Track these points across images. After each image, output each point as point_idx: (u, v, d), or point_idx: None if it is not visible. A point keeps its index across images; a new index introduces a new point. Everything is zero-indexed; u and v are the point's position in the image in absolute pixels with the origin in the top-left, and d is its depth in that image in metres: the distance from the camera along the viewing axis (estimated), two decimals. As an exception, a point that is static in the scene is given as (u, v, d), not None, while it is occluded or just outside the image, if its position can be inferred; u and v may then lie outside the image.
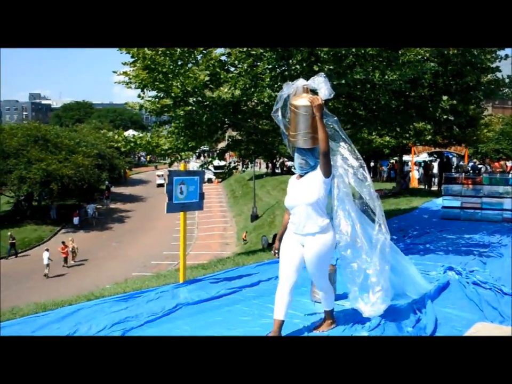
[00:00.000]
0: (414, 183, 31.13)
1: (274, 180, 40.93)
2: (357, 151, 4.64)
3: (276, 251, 4.75)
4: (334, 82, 8.24)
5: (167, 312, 5.43)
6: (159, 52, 8.24)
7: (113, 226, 39.08)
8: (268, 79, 8.78)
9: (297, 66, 8.40)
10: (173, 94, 8.64)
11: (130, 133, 14.58)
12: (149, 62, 8.46)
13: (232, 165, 13.82)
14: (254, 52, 8.29)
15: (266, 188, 38.44)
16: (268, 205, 33.62)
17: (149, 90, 9.61)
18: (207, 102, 8.63)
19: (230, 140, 12.29)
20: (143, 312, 5.32)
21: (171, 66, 8.44)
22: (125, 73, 9.44)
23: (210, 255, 22.68)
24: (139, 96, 10.07)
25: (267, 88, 8.81)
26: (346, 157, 4.60)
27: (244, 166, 19.10)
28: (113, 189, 52.13)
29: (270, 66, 8.80)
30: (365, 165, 4.69)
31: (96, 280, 19.70)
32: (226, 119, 10.04)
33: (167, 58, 8.31)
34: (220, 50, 9.34)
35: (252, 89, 8.60)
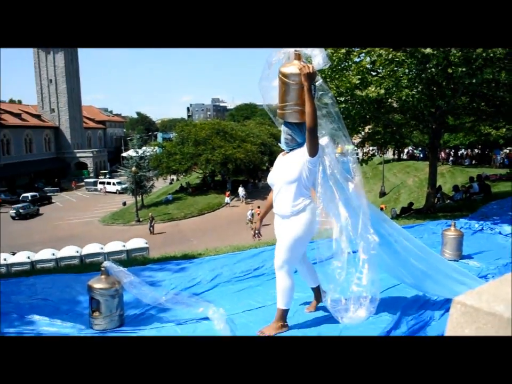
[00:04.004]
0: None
1: (400, 164, 39.14)
2: (348, 136, 3.28)
3: (257, 232, 3.58)
4: (466, 82, 7.76)
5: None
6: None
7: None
8: (406, 81, 8.48)
9: (433, 70, 7.98)
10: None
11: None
12: (311, 70, 8.56)
13: (370, 152, 13.52)
14: (397, 59, 8.02)
15: (393, 170, 36.88)
16: (394, 184, 32.33)
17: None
18: (357, 100, 8.55)
19: (370, 131, 12.06)
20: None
21: (329, 73, 8.49)
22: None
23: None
24: (325, 104, 10.22)
25: (405, 88, 8.51)
26: (338, 142, 3.26)
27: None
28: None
29: (407, 70, 8.49)
30: (355, 155, 3.33)
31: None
32: (370, 114, 9.85)
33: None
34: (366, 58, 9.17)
35: (394, 89, 8.36)
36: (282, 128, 3.20)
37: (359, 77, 8.27)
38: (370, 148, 14.58)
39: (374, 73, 9.23)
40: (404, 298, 3.79)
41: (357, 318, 3.12)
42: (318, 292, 3.61)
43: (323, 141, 3.18)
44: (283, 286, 3.18)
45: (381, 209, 26.53)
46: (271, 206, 3.46)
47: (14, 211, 35.76)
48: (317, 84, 3.07)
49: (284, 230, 3.17)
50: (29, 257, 12.14)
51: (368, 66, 9.17)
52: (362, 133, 12.54)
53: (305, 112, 2.97)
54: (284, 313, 3.25)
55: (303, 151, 3.08)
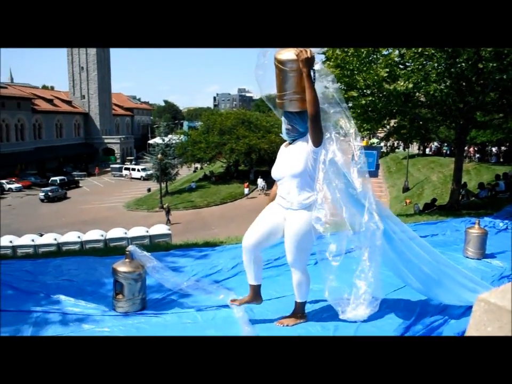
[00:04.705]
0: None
1: (424, 159, 38.39)
2: (352, 120, 2.98)
3: None
4: (496, 77, 7.55)
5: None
6: (349, 53, 8.21)
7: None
8: (435, 75, 8.29)
9: (463, 64, 7.78)
10: (357, 87, 8.58)
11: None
12: (339, 61, 8.47)
13: (395, 145, 13.34)
14: (426, 53, 7.85)
15: (417, 166, 36.23)
16: (418, 180, 31.76)
17: (334, 84, 9.63)
18: (384, 93, 8.42)
19: (396, 124, 11.86)
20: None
21: (357, 65, 8.37)
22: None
23: (367, 216, 22.25)
24: (326, 87, 10.13)
25: (434, 83, 8.33)
26: (341, 126, 2.95)
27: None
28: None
29: (436, 64, 8.29)
30: (359, 140, 2.98)
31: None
32: (396, 108, 9.68)
33: (355, 58, 8.25)
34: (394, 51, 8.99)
35: (422, 83, 8.19)
36: (283, 119, 2.98)
37: (387, 70, 8.14)
38: (395, 142, 14.36)
39: (402, 67, 9.05)
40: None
41: (357, 315, 2.90)
42: (258, 291, 3.26)
43: (327, 128, 2.91)
44: (299, 281, 3.09)
45: (406, 203, 26.24)
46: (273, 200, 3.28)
47: (43, 194, 36.76)
48: (316, 67, 2.80)
49: (291, 225, 2.94)
50: (55, 239, 12.44)
51: (396, 59, 9.00)
52: (388, 126, 12.35)
53: (306, 100, 2.73)
54: (302, 305, 3.23)
55: (307, 141, 2.87)
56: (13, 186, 40.99)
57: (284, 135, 3.01)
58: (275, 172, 3.04)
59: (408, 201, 26.55)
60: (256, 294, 3.25)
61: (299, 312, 3.23)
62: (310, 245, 2.99)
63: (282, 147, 3.10)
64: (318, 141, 2.80)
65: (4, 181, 40.97)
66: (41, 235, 13.83)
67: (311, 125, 2.76)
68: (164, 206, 29.11)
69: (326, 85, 2.91)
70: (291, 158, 2.93)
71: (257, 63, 2.89)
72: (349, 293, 2.89)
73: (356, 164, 2.90)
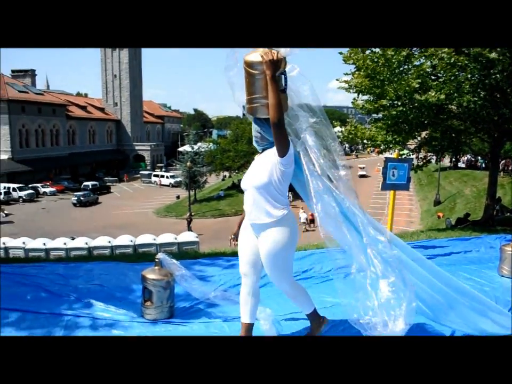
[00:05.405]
0: None
1: (457, 172, 37.55)
2: (333, 130, 2.78)
3: (233, 236, 3.14)
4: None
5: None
6: (379, 64, 8.14)
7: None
8: (468, 86, 8.13)
9: (498, 76, 7.60)
10: (387, 97, 8.50)
11: (337, 129, 13.78)
12: (369, 71, 8.42)
13: (428, 157, 13.10)
14: (459, 63, 7.70)
15: (449, 179, 35.44)
16: (450, 193, 31.07)
17: (363, 94, 9.57)
18: (416, 104, 8.30)
19: (427, 136, 11.64)
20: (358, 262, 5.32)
21: (387, 75, 8.30)
22: (345, 81, 9.60)
23: (397, 229, 21.90)
24: (354, 99, 10.07)
25: (467, 94, 8.16)
26: (321, 136, 2.73)
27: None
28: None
29: (470, 75, 8.13)
30: (342, 152, 2.77)
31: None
32: (428, 119, 9.52)
33: (386, 68, 8.18)
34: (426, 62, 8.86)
35: (455, 95, 8.04)
36: (253, 125, 2.74)
37: (419, 80, 8.02)
38: (427, 155, 14.05)
39: (434, 78, 8.92)
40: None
41: (393, 331, 2.46)
42: (250, 331, 2.97)
43: (307, 139, 2.71)
44: (292, 297, 3.00)
45: (438, 217, 25.58)
46: None
47: (76, 198, 37.77)
48: (293, 73, 2.65)
49: (262, 247, 2.74)
50: (86, 243, 12.72)
51: (428, 70, 8.87)
52: (419, 138, 12.13)
53: (269, 104, 2.50)
54: (312, 315, 3.09)
55: (274, 151, 2.60)
56: (47, 190, 42.26)
57: (254, 143, 2.81)
58: (242, 183, 2.85)
59: (441, 214, 25.92)
60: (248, 335, 2.94)
61: (315, 321, 3.11)
62: (288, 260, 2.82)
63: (256, 157, 2.87)
64: (282, 150, 2.55)
65: (39, 185, 42.29)
66: (73, 239, 14.18)
67: (274, 132, 2.52)
68: (186, 216, 28.60)
69: (303, 93, 2.74)
70: (257, 168, 2.72)
71: (226, 65, 2.70)
72: (378, 311, 2.56)
73: (341, 177, 2.72)
